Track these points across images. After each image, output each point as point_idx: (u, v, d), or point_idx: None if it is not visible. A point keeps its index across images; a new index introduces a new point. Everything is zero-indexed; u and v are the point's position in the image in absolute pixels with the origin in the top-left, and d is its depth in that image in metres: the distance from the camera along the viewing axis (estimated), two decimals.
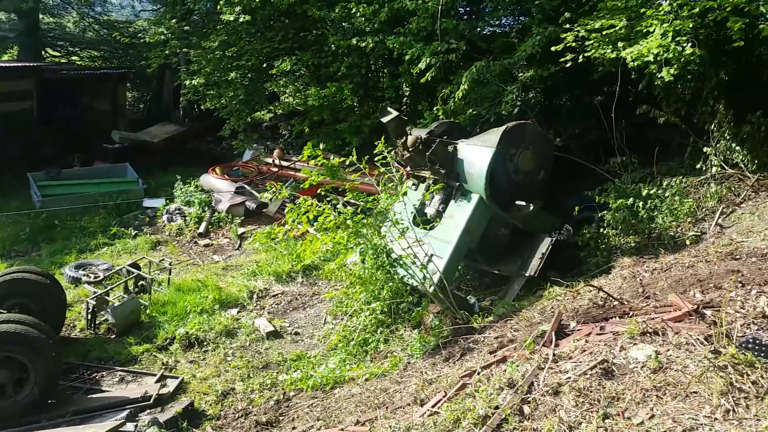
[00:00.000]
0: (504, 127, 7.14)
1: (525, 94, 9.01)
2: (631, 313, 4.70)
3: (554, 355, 4.10)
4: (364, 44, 10.39)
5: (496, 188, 7.01)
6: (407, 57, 9.77)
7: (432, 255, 6.62)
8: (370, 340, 6.59)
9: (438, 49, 9.40)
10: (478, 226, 7.06)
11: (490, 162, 6.88)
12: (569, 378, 3.70)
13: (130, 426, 5.17)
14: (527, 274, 7.00)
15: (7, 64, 17.75)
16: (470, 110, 9.29)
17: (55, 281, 7.23)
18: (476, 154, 7.09)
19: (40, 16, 19.89)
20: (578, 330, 4.59)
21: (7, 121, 14.01)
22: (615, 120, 8.18)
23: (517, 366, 4.11)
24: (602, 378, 3.61)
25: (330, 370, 6.05)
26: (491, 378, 4.17)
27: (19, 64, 16.65)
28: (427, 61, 9.39)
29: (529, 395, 3.68)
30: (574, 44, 7.73)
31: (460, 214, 7.04)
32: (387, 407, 4.78)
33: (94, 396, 6.04)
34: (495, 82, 9.20)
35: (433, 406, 4.24)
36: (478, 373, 4.47)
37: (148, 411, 5.67)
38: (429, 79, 9.46)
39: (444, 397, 4.33)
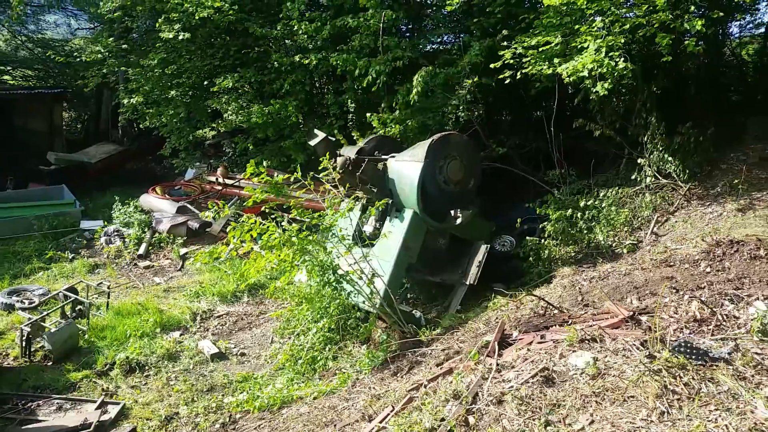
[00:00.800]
0: (429, 140, 7.24)
1: (469, 105, 9.15)
2: (570, 321, 4.80)
3: (498, 364, 4.14)
4: (307, 61, 10.39)
5: (429, 201, 7.09)
6: (356, 72, 9.81)
7: (374, 273, 6.62)
8: (319, 358, 6.52)
9: (385, 60, 9.49)
10: (416, 241, 7.12)
11: (419, 176, 6.95)
12: (512, 387, 3.74)
13: None
14: (467, 283, 7.08)
15: None
16: (412, 120, 9.34)
17: None
18: (406, 170, 7.16)
19: None
20: (520, 339, 4.66)
21: None
22: (553, 133, 8.41)
23: (462, 377, 4.13)
24: (543, 386, 3.67)
25: (277, 390, 5.95)
26: (438, 390, 4.18)
27: None
28: (377, 69, 9.46)
29: (473, 406, 3.70)
30: (512, 61, 7.94)
31: (396, 230, 7.09)
32: (335, 425, 4.73)
33: (29, 427, 5.75)
34: (440, 91, 9.32)
35: (380, 422, 4.22)
36: (425, 386, 4.47)
37: None
38: (380, 85, 9.51)
39: (392, 411, 4.31)
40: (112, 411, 5.88)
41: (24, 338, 6.98)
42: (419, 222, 7.09)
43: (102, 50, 13.85)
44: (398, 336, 6.23)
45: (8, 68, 21.55)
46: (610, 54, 7.06)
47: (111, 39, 14.13)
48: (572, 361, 3.84)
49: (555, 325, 4.81)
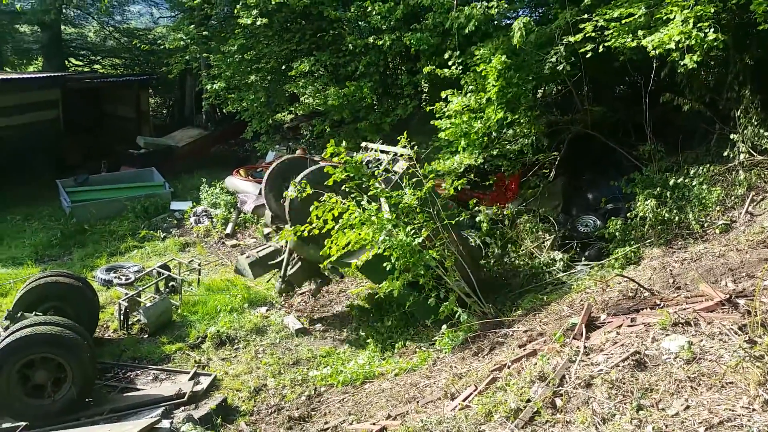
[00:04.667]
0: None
1: (568, 64, 8.60)
2: (662, 304, 4.67)
3: (585, 347, 4.09)
4: (381, 42, 10.39)
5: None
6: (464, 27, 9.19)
7: None
8: (398, 337, 6.62)
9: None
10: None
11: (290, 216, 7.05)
12: (601, 370, 3.69)
13: (165, 423, 5.23)
14: None
15: (33, 75, 18.04)
16: (513, 75, 8.87)
17: (88, 284, 7.36)
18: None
19: (63, 27, 20.21)
20: (609, 322, 4.57)
21: (35, 130, 14.34)
22: (647, 105, 8.05)
23: (548, 359, 4.11)
24: (635, 370, 3.60)
25: (360, 366, 6.11)
26: (522, 371, 4.18)
27: (45, 75, 16.89)
28: (467, 13, 9.11)
29: (560, 388, 3.67)
30: (593, 34, 7.65)
31: None
32: (417, 401, 4.81)
33: (129, 394, 6.15)
34: (532, 50, 8.88)
35: (463, 400, 4.27)
36: (509, 367, 4.48)
37: (183, 408, 5.76)
38: (473, 28, 9.12)
39: (474, 390, 4.35)
40: (204, 382, 6.19)
41: (122, 312, 7.43)
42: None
43: (184, 37, 14.26)
44: (478, 316, 6.22)
45: (98, 57, 22.74)
46: (699, 25, 6.69)
47: (192, 26, 14.54)
48: (665, 345, 3.74)
49: (646, 308, 4.68)
